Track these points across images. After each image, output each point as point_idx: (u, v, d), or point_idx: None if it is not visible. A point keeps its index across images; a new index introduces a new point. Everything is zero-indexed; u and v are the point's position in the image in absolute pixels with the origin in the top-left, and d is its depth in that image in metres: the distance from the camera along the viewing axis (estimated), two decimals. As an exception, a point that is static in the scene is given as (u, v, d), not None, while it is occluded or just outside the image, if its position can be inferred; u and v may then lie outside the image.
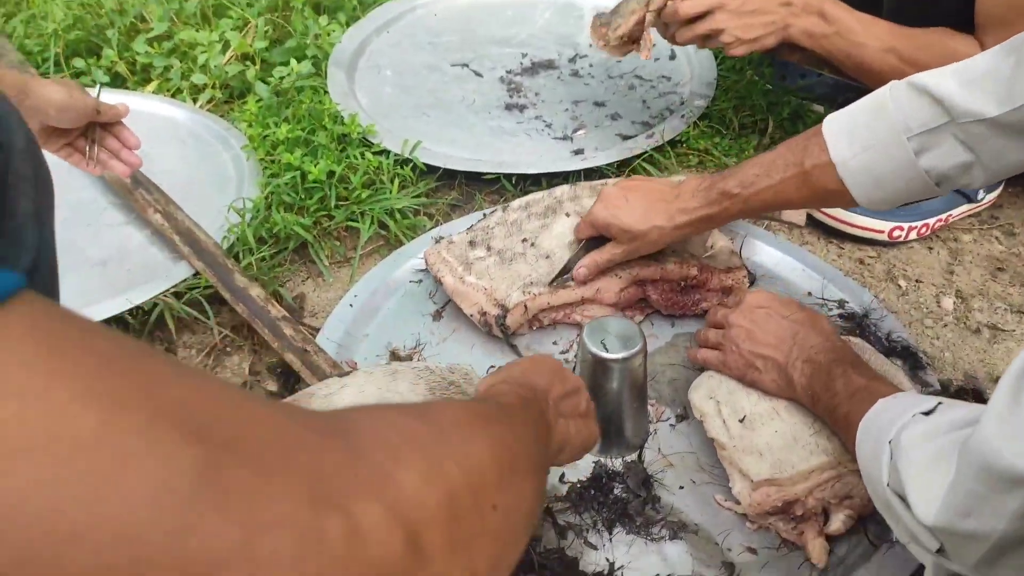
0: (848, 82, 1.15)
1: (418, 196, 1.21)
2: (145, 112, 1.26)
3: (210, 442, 0.27)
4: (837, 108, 1.27)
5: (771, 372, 0.80)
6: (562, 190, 1.09)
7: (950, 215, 1.15)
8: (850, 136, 0.81)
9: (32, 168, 0.52)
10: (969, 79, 0.75)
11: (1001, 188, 1.19)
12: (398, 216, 1.16)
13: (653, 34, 1.14)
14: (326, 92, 1.33)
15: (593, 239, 0.98)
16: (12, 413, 0.24)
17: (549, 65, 1.48)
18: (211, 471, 0.26)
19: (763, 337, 0.81)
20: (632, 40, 1.16)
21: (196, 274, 1.05)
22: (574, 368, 0.88)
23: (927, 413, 0.59)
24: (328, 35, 1.35)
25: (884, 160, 0.79)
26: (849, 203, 0.85)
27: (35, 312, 0.26)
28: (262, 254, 1.09)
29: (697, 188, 0.92)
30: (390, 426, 0.35)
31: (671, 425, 0.90)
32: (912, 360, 0.93)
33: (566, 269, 0.99)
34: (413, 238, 1.15)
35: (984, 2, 0.91)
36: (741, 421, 0.79)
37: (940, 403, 0.61)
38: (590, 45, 1.51)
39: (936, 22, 1.01)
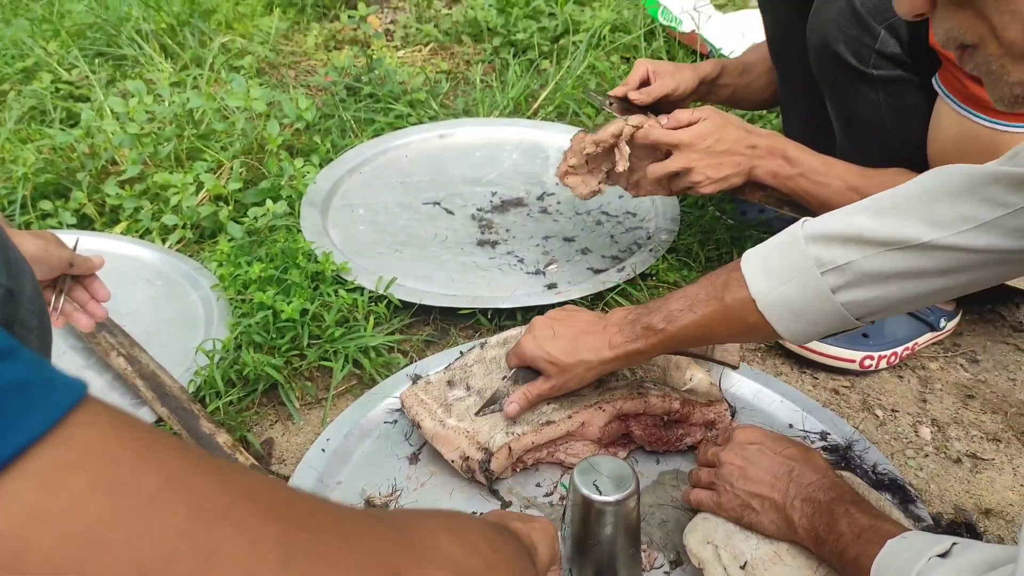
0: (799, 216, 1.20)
1: (392, 333, 1.20)
2: (112, 252, 1.24)
3: (286, 522, 0.30)
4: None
5: (769, 512, 0.77)
6: (540, 319, 1.09)
7: (916, 343, 1.18)
8: (766, 271, 0.82)
9: (36, 318, 0.51)
10: (880, 208, 0.78)
11: (960, 316, 1.23)
12: (372, 354, 1.14)
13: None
14: (299, 231, 1.33)
15: (524, 368, 0.97)
16: (109, 506, 0.26)
17: (518, 203, 1.53)
18: (295, 546, 0.30)
19: (757, 475, 0.79)
20: (597, 171, 1.22)
21: (160, 420, 1.00)
22: (563, 512, 0.84)
23: (943, 555, 0.58)
24: (303, 176, 1.37)
25: (800, 293, 0.80)
26: (771, 336, 0.86)
27: (110, 414, 0.29)
28: (230, 397, 1.05)
29: (623, 321, 0.91)
30: (420, 515, 0.43)
31: (665, 573, 0.86)
32: (901, 494, 0.92)
33: (492, 400, 0.97)
34: (388, 376, 1.12)
35: (937, 143, 0.98)
36: (743, 567, 0.76)
37: (954, 544, 0.59)
38: (556, 183, 1.57)
39: (883, 162, 1.07)
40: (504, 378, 0.98)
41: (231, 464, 0.33)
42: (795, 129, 1.34)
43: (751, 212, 1.43)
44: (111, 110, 1.43)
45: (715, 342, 0.97)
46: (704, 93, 1.34)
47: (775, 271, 0.81)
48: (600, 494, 0.78)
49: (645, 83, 1.28)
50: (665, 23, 2.15)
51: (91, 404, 0.28)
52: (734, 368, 1.06)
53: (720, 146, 1.10)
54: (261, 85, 1.69)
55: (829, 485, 0.76)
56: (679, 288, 1.29)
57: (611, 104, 1.23)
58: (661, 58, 2.08)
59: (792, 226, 0.83)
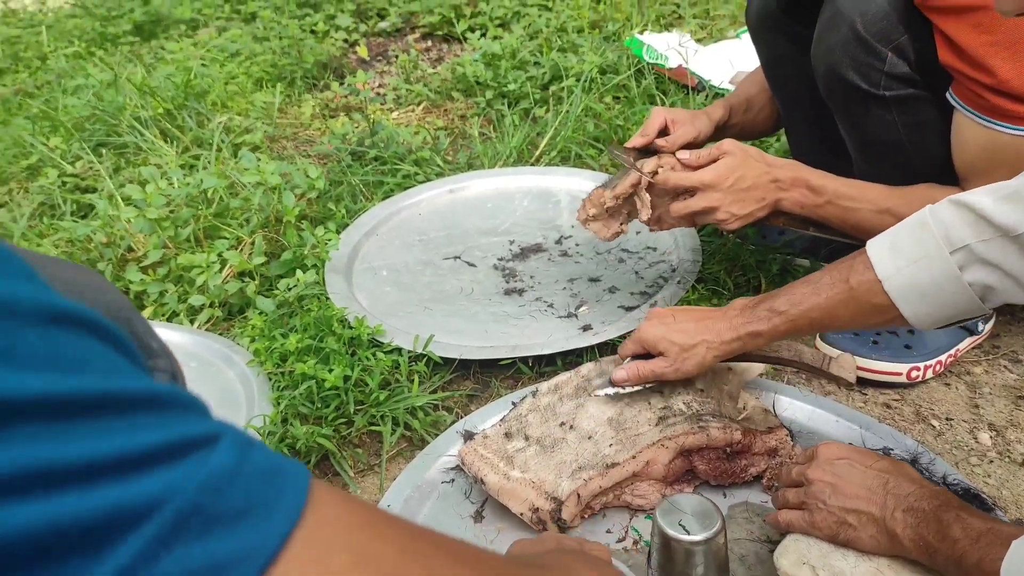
0: (830, 237, 1.21)
1: (435, 391, 1.19)
2: (144, 338, 1.23)
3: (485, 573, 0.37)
4: (821, 259, 1.35)
5: (867, 527, 0.76)
6: (588, 368, 1.09)
7: (958, 350, 1.18)
8: (894, 252, 0.83)
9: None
10: (1004, 195, 0.79)
11: (995, 318, 1.24)
12: (420, 414, 1.13)
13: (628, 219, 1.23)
14: (327, 298, 1.33)
15: (636, 357, 1.00)
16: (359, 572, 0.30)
17: (538, 249, 1.53)
18: None
19: (851, 490, 0.78)
20: (618, 214, 1.23)
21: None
22: (648, 557, 0.82)
23: None
24: (326, 244, 1.37)
25: (928, 275, 0.81)
26: (896, 319, 0.86)
27: (329, 488, 0.32)
28: (283, 473, 1.03)
29: (744, 306, 0.95)
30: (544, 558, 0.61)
31: (757, 606, 0.84)
32: (977, 502, 0.90)
33: (606, 383, 1.02)
34: (437, 435, 1.11)
35: (963, 156, 1.00)
36: (844, 591, 0.74)
37: None
38: (572, 226, 1.59)
39: (905, 179, 1.08)
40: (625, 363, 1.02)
41: (422, 527, 0.37)
42: (802, 151, 1.36)
43: (771, 235, 1.44)
44: (127, 197, 1.43)
45: (838, 327, 0.97)
46: (718, 136, 1.36)
47: (903, 251, 0.82)
48: (688, 534, 0.76)
49: (663, 130, 1.29)
50: (651, 61, 2.20)
51: (314, 480, 0.31)
52: (849, 386, 1.06)
53: (743, 183, 1.10)
54: (259, 157, 1.70)
55: (931, 494, 0.75)
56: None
57: (636, 158, 1.22)
58: (653, 95, 2.12)
59: (919, 211, 0.84)
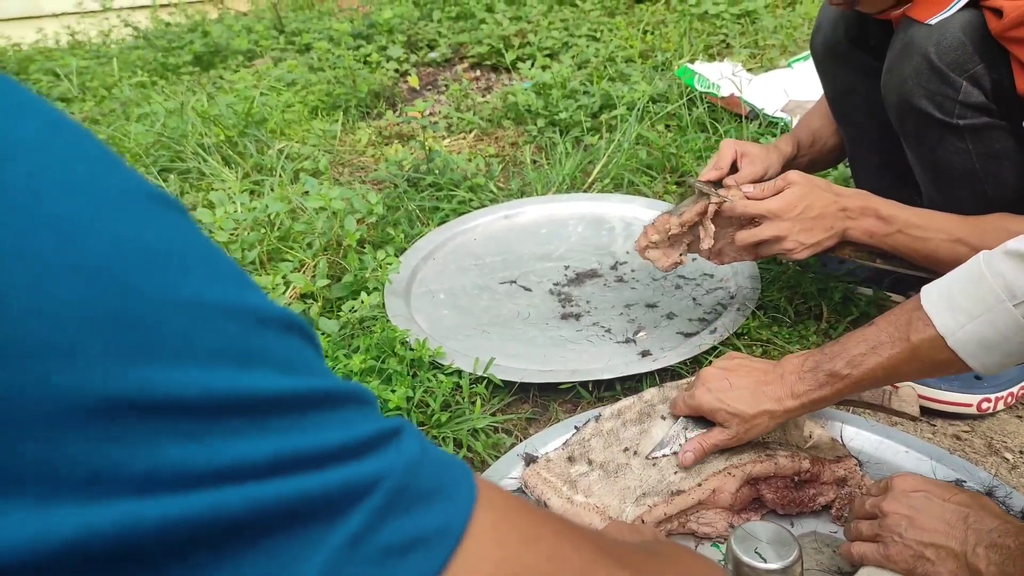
0: (896, 269, 1.20)
1: (494, 413, 1.19)
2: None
3: (631, 568, 0.41)
4: (884, 288, 1.33)
5: (947, 562, 0.74)
6: (651, 393, 1.09)
7: (1030, 381, 1.15)
8: (952, 307, 0.82)
9: None
10: None
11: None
12: (482, 436, 1.14)
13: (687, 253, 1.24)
14: (388, 320, 1.35)
15: (689, 417, 0.98)
16: (536, 556, 0.35)
17: (593, 274, 1.54)
18: (631, 567, 0.41)
19: (929, 523, 0.76)
20: (678, 243, 1.23)
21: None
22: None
23: None
24: (387, 268, 1.40)
25: (992, 328, 0.80)
26: (962, 370, 0.85)
27: (490, 482, 0.36)
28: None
29: (802, 369, 0.92)
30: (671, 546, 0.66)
31: (831, 640, 0.82)
32: (1061, 538, 0.88)
33: (662, 444, 0.99)
34: (497, 457, 1.11)
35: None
36: (926, 626, 0.72)
37: None
38: (627, 252, 1.59)
39: (977, 208, 1.07)
40: (677, 424, 1.01)
41: (564, 518, 0.43)
42: (867, 182, 1.35)
43: (831, 263, 1.43)
44: (197, 221, 1.48)
45: (900, 381, 0.96)
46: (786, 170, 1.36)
47: (962, 307, 0.80)
48: (764, 562, 0.75)
49: (734, 165, 1.29)
50: (703, 90, 2.21)
51: (483, 481, 0.35)
52: (913, 419, 1.03)
53: (811, 212, 1.10)
54: (322, 184, 1.75)
55: (1016, 530, 0.73)
56: (771, 343, 1.30)
57: (714, 188, 1.23)
58: (704, 123, 2.13)
59: (972, 259, 0.83)
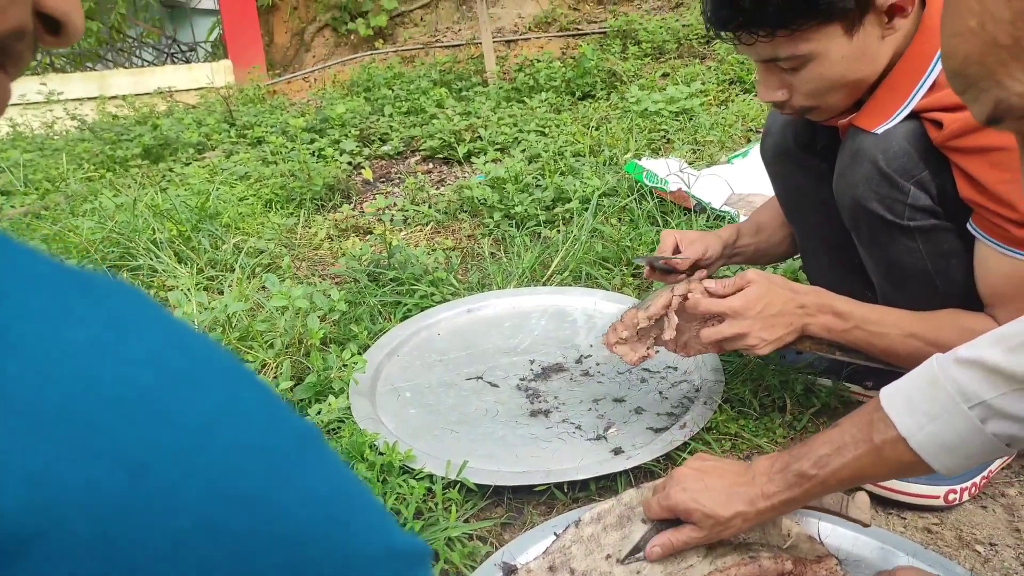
0: (855, 361, 1.24)
1: (468, 520, 1.16)
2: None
3: None
4: (843, 380, 1.37)
5: None
6: (630, 495, 1.07)
7: (990, 471, 1.19)
8: (911, 409, 0.84)
9: None
10: (1013, 346, 0.81)
11: (1020, 436, 1.25)
12: (457, 545, 1.10)
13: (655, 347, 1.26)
14: (355, 423, 1.31)
15: (664, 520, 0.97)
16: None
17: (559, 368, 1.54)
18: None
19: None
20: (646, 337, 1.25)
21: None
22: None
23: None
24: (353, 367, 1.37)
25: (951, 430, 0.82)
26: (926, 471, 0.87)
27: None
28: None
29: (772, 470, 0.93)
30: None
31: None
32: (1041, 632, 0.89)
33: (636, 549, 0.97)
34: (474, 567, 1.07)
35: (986, 283, 1.04)
36: None
37: None
38: (591, 345, 1.61)
39: (930, 304, 1.12)
40: (651, 528, 0.99)
41: None
42: (819, 275, 1.41)
43: (789, 354, 1.47)
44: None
45: (867, 482, 0.97)
46: (729, 256, 1.42)
47: (920, 409, 0.83)
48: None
49: (675, 250, 1.35)
50: (652, 185, 2.30)
51: None
52: (865, 526, 1.03)
53: (771, 309, 1.13)
54: (282, 280, 1.72)
55: None
56: (739, 437, 1.31)
57: (661, 262, 1.29)
58: (654, 216, 2.20)
59: (926, 362, 0.85)
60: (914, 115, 1.05)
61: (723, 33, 1.04)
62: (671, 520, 0.98)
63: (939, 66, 1.02)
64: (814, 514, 1.10)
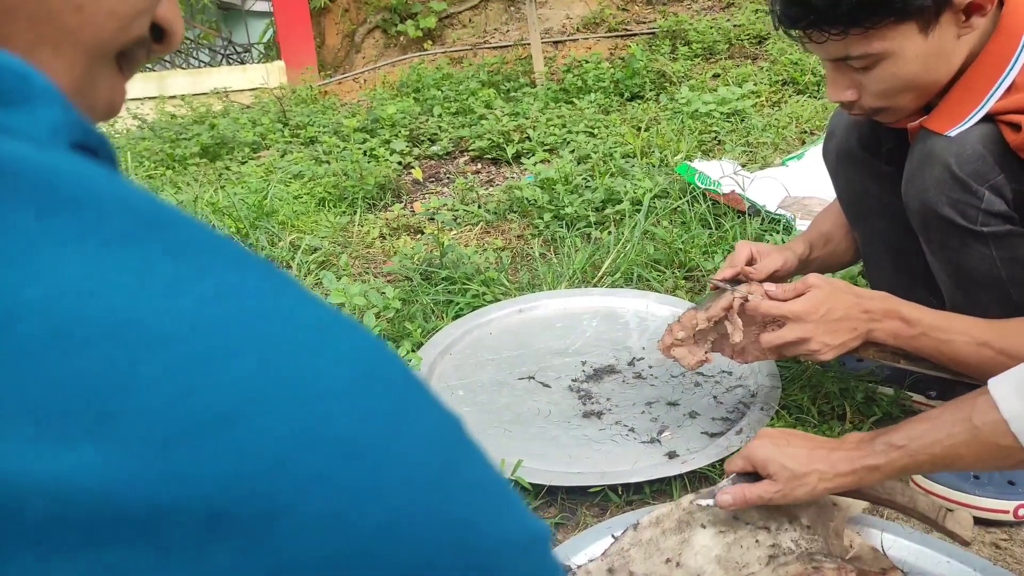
0: (921, 370, 1.21)
1: (522, 519, 1.16)
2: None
3: None
4: (905, 388, 1.33)
5: None
6: (688, 499, 1.06)
7: (1064, 485, 1.15)
8: (1020, 393, 0.82)
9: None
10: None
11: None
12: (512, 544, 1.10)
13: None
14: (410, 419, 1.33)
15: (744, 474, 0.97)
16: None
17: (611, 370, 1.54)
18: None
19: None
20: (703, 340, 1.24)
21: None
22: None
23: None
24: (408, 364, 1.38)
25: None
26: (1021, 463, 0.84)
27: None
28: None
29: (861, 440, 0.93)
30: None
31: None
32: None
33: (710, 494, 1.00)
34: (528, 567, 1.08)
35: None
36: None
37: None
38: (643, 348, 1.60)
39: (1001, 312, 1.09)
40: (727, 480, 1.02)
41: None
42: (882, 281, 1.38)
43: (849, 361, 1.44)
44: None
45: (959, 468, 0.95)
46: (801, 269, 1.39)
47: None
48: None
49: (749, 262, 1.32)
50: (704, 187, 2.28)
51: None
52: (965, 544, 1.01)
53: (834, 314, 1.11)
54: (339, 278, 1.75)
55: None
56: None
57: (731, 287, 1.25)
58: (707, 219, 2.18)
59: None
60: (989, 117, 1.02)
61: (792, 32, 1.02)
62: (751, 475, 0.98)
63: (1017, 67, 0.99)
64: (877, 523, 1.08)
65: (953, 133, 1.03)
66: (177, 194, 2.43)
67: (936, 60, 1.00)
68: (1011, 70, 1.00)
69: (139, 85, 4.75)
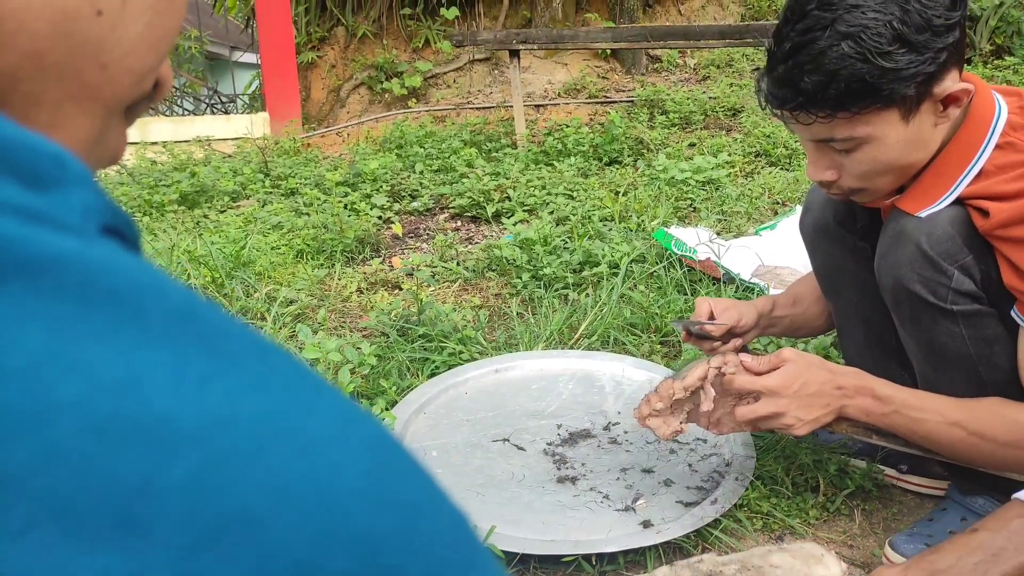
0: (893, 446, 1.22)
1: (494, 587, 1.13)
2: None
3: None
4: (877, 462, 1.34)
5: None
6: (663, 572, 1.05)
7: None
8: None
9: None
10: None
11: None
12: (483, 615, 1.07)
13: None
14: (381, 480, 1.30)
15: None
16: None
17: (586, 434, 1.53)
18: None
19: None
20: (679, 411, 1.25)
21: None
22: None
23: None
24: (384, 424, 1.36)
25: None
26: None
27: None
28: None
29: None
30: None
31: None
32: None
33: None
34: (498, 639, 1.04)
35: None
36: None
37: None
38: (619, 412, 1.59)
39: (971, 390, 1.11)
40: None
41: None
42: (856, 355, 1.40)
43: (823, 433, 1.45)
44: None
45: None
46: (764, 326, 1.41)
47: None
48: None
49: (710, 317, 1.36)
50: (680, 253, 2.32)
51: None
52: None
53: (808, 389, 1.12)
54: (315, 332, 1.73)
55: None
56: (772, 517, 1.28)
57: (696, 327, 1.29)
58: (683, 285, 2.21)
59: None
60: (958, 201, 1.05)
61: (779, 112, 1.06)
62: None
63: (986, 155, 1.04)
64: None
65: (924, 214, 1.07)
66: (153, 241, 2.41)
67: (914, 146, 1.04)
68: (980, 157, 1.04)
69: (121, 130, 4.75)
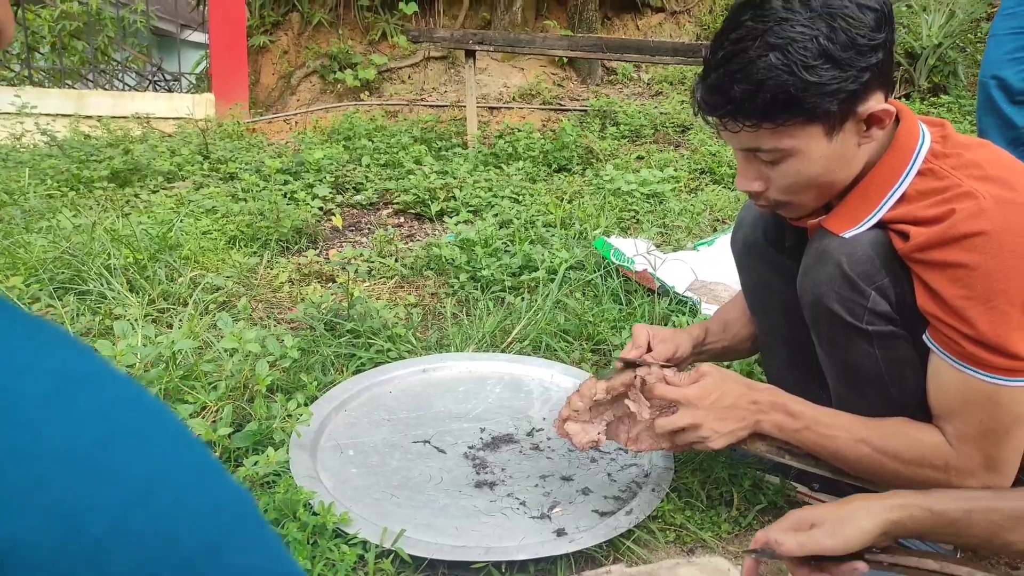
0: (804, 467, 1.23)
1: (399, 593, 1.10)
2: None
3: None
4: (790, 479, 1.36)
5: None
6: (570, 582, 1.03)
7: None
8: None
9: None
10: None
11: None
12: (385, 620, 1.04)
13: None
14: (292, 478, 1.26)
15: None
16: None
17: (509, 439, 1.51)
18: None
19: None
20: (599, 419, 1.24)
21: None
22: None
23: None
24: (298, 418, 1.32)
25: None
26: None
27: None
28: None
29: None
30: None
31: None
32: None
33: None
34: (399, 646, 1.02)
35: (937, 395, 1.05)
36: None
37: None
38: (543, 418, 1.58)
39: (882, 409, 1.13)
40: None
41: None
42: (778, 374, 1.41)
43: (739, 449, 1.46)
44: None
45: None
46: (697, 353, 1.42)
47: None
48: None
49: (648, 346, 1.35)
50: (618, 263, 2.32)
51: None
52: None
53: (724, 401, 1.13)
54: (236, 321, 1.68)
55: None
56: (685, 529, 1.28)
57: (625, 366, 1.27)
58: (618, 294, 2.21)
59: None
60: (881, 224, 1.07)
61: (710, 118, 1.06)
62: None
63: (908, 180, 1.06)
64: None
65: (848, 235, 1.09)
66: (75, 217, 2.30)
67: (837, 163, 1.05)
68: (903, 182, 1.06)
69: (55, 101, 4.55)
